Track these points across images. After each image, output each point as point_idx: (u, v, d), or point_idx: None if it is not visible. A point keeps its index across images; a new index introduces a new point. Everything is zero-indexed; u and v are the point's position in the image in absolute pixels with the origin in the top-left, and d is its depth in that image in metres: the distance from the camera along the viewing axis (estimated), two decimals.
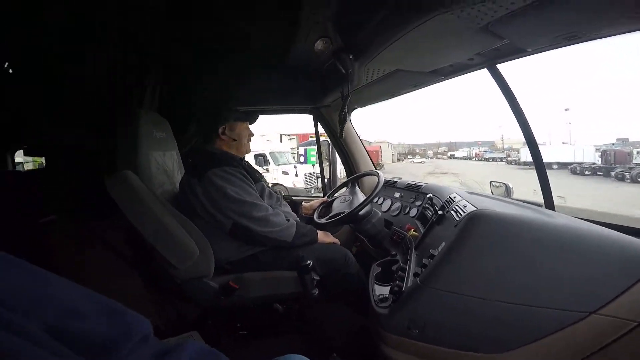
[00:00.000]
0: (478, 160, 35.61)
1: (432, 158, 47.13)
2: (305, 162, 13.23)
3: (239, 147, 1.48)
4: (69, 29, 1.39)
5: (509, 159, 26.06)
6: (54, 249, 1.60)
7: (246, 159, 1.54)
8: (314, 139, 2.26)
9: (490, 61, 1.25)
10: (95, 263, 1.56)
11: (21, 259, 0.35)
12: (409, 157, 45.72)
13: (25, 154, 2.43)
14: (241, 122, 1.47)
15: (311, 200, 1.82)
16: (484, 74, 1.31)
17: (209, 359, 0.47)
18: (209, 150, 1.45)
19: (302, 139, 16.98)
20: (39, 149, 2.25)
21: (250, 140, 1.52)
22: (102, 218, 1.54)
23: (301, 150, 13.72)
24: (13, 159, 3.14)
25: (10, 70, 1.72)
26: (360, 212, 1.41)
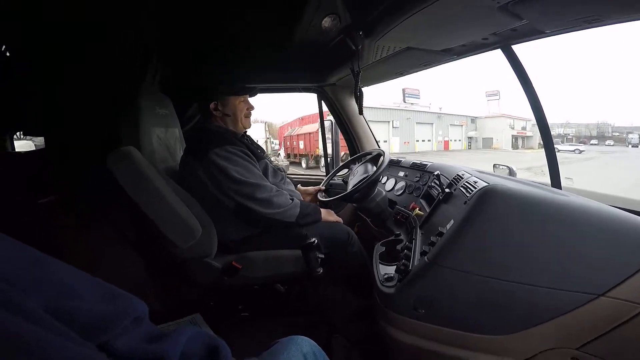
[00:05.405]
0: None
1: (628, 145, 27.55)
2: None
3: (235, 122, 1.43)
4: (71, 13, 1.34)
5: None
6: (54, 230, 1.58)
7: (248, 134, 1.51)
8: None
9: (505, 41, 1.21)
10: (98, 243, 1.54)
11: (18, 241, 0.35)
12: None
13: (24, 134, 2.40)
14: (234, 97, 1.41)
15: (310, 181, 1.80)
16: None
17: (210, 344, 0.47)
18: (208, 128, 1.41)
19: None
20: (38, 129, 2.22)
21: (249, 115, 1.46)
22: (104, 197, 1.52)
23: None
24: (12, 142, 3.11)
25: (8, 53, 1.67)
26: (365, 190, 1.38)
